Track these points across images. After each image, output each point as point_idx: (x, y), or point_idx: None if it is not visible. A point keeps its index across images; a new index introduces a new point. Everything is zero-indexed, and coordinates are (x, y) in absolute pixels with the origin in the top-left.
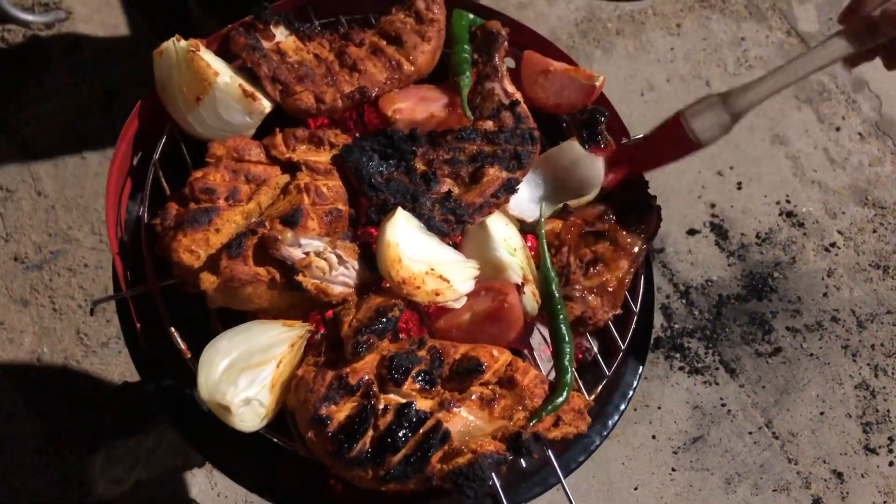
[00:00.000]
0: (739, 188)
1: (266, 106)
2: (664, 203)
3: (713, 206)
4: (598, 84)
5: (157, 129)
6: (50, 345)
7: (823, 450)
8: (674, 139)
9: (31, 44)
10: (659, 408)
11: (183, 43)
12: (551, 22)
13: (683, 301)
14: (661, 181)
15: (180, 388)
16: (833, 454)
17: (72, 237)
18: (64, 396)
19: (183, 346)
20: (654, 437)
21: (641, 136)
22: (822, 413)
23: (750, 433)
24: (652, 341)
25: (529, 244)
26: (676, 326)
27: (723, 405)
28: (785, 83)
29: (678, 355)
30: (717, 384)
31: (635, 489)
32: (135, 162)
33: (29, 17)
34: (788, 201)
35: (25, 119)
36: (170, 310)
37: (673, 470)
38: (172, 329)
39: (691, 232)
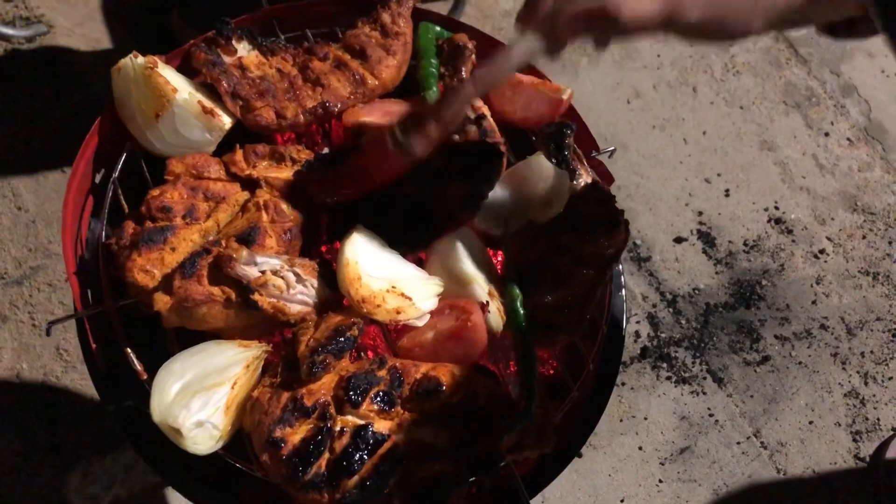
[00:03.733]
0: (727, 195)
1: (226, 122)
2: (650, 211)
3: (700, 213)
4: (565, 97)
5: (117, 146)
6: (29, 361)
7: (812, 459)
8: (381, 154)
9: (11, 58)
10: (645, 418)
11: (141, 59)
12: None
13: (670, 310)
14: (648, 188)
15: (140, 409)
16: (822, 464)
17: (52, 252)
18: (42, 413)
19: (139, 367)
20: (640, 448)
21: (613, 148)
22: (810, 422)
23: (738, 443)
24: (638, 351)
25: (498, 259)
26: (663, 336)
27: (710, 415)
28: (480, 90)
29: (665, 365)
30: (704, 394)
31: (622, 501)
32: (96, 180)
33: (9, 31)
34: (777, 208)
35: (5, 134)
36: (128, 329)
37: (660, 481)
38: (128, 350)
39: (678, 240)
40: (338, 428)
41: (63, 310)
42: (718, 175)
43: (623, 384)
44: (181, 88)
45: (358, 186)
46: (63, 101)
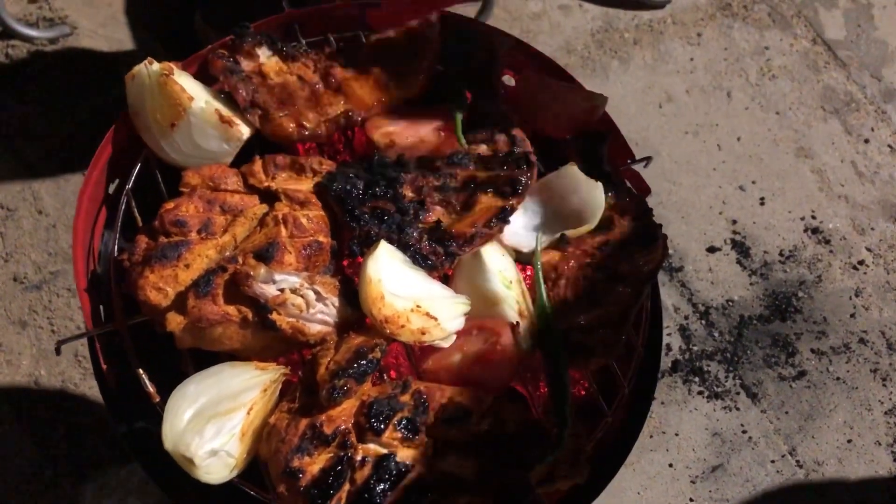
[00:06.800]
0: (762, 204)
1: (244, 132)
2: (682, 219)
3: (734, 222)
4: (599, 104)
5: (132, 155)
6: (48, 367)
7: (851, 480)
8: None
9: (34, 59)
10: (676, 434)
11: (156, 66)
12: (566, 32)
13: (703, 322)
14: (680, 197)
15: (152, 431)
16: (861, 484)
17: (72, 257)
18: (60, 421)
19: (152, 388)
20: (671, 465)
21: (649, 156)
22: (849, 441)
23: (772, 462)
24: (669, 364)
25: (528, 276)
26: (695, 349)
27: (744, 432)
28: None
29: (697, 379)
30: (737, 409)
31: None
32: (111, 190)
33: (33, 33)
34: (814, 217)
35: (27, 136)
36: (142, 348)
37: (691, 500)
38: (140, 371)
39: (711, 249)
40: (359, 457)
41: (82, 316)
42: (753, 182)
43: (653, 399)
44: (198, 96)
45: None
46: (85, 103)
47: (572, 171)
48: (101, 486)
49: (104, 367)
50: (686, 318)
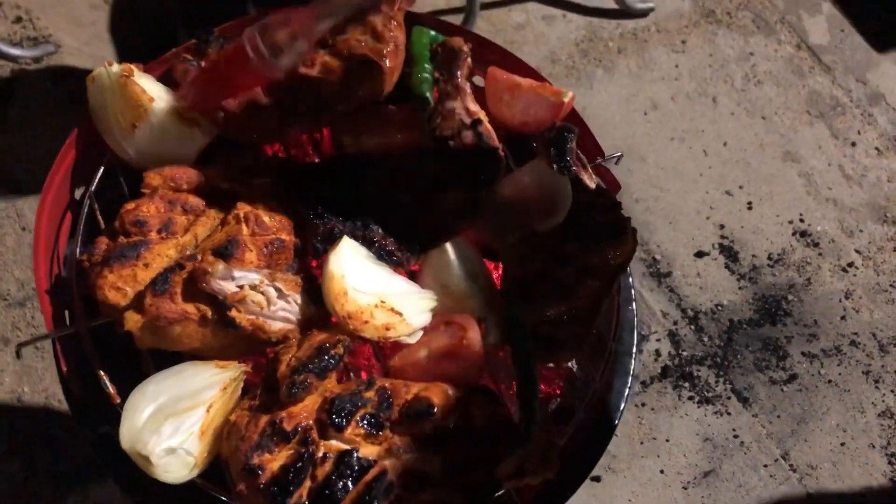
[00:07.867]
0: (750, 208)
1: (206, 132)
2: (670, 225)
3: (722, 227)
4: (566, 100)
5: (96, 159)
6: (31, 384)
7: (845, 483)
8: (241, 61)
9: (18, 78)
10: (667, 440)
11: (116, 68)
12: (551, 42)
13: (692, 327)
14: (668, 202)
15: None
16: (856, 487)
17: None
18: (43, 437)
19: (112, 390)
20: (662, 471)
21: (620, 153)
22: (842, 444)
23: (765, 466)
24: (659, 370)
25: (497, 271)
26: (685, 354)
27: (735, 436)
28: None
29: (687, 384)
30: (728, 414)
31: None
32: (76, 195)
33: (17, 52)
34: (802, 220)
35: (11, 154)
36: (107, 351)
37: None
38: (101, 372)
39: (699, 254)
40: (320, 454)
41: None
42: (740, 187)
43: (643, 405)
44: (158, 97)
45: (217, 90)
46: (69, 120)
47: (540, 167)
48: (83, 499)
49: (65, 369)
50: (675, 323)
